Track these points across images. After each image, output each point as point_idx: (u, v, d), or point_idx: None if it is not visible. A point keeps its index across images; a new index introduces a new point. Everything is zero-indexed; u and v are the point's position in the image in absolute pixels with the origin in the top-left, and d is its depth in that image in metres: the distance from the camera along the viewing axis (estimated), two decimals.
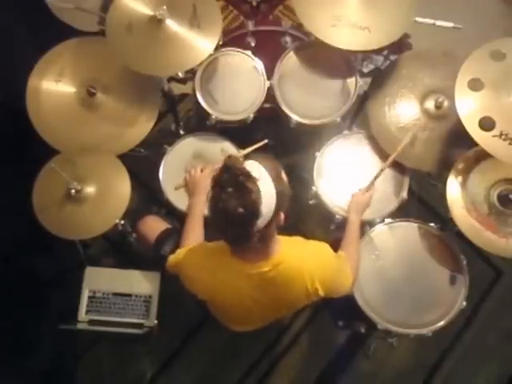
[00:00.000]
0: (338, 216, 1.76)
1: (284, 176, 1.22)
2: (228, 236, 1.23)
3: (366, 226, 1.77)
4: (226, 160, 1.14)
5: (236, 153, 1.85)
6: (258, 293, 1.31)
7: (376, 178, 1.73)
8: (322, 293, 1.32)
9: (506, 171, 1.64)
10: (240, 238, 1.19)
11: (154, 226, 1.82)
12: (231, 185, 1.10)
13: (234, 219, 1.11)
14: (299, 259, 1.31)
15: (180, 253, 1.46)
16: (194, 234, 1.59)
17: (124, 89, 1.83)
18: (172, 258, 1.48)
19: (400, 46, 2.31)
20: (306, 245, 1.38)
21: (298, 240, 1.39)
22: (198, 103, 1.85)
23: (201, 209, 1.67)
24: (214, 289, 1.35)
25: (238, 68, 1.89)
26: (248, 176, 1.11)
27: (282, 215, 1.22)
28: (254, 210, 1.11)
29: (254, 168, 1.15)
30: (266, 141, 1.84)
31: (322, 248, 1.39)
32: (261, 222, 1.14)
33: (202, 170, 1.78)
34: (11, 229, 1.88)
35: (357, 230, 1.64)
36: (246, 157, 1.24)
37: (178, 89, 2.11)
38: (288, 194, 1.21)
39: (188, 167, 1.84)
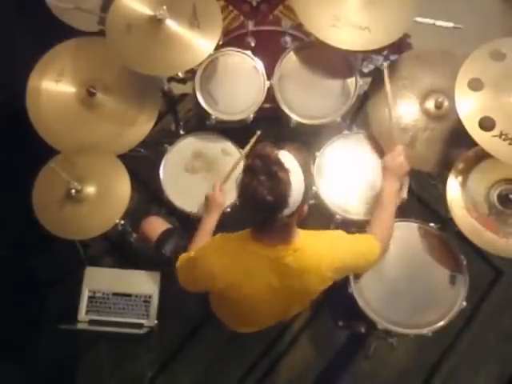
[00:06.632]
0: (338, 216, 1.75)
1: (312, 169, 1.23)
2: (253, 219, 1.27)
3: (366, 226, 1.77)
4: (259, 147, 1.16)
5: (237, 153, 1.86)
6: (274, 278, 1.32)
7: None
8: (338, 276, 1.38)
9: (506, 171, 1.65)
10: (265, 221, 1.23)
11: (155, 226, 1.83)
12: (264, 173, 1.13)
13: (262, 206, 1.15)
14: (316, 247, 1.34)
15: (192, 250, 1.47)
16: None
17: (124, 89, 1.83)
18: (185, 254, 1.49)
19: (400, 46, 2.31)
20: (322, 234, 1.42)
21: (315, 231, 1.42)
22: (198, 103, 1.85)
23: (212, 227, 1.69)
24: (232, 274, 1.34)
25: (238, 68, 1.89)
26: (281, 166, 1.14)
27: (306, 207, 1.26)
28: (282, 200, 1.15)
29: (288, 159, 1.16)
30: (258, 132, 1.86)
31: (337, 235, 1.42)
32: (287, 212, 1.17)
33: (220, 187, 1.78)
34: (11, 229, 1.88)
35: (391, 194, 1.59)
36: (278, 147, 1.22)
37: (177, 89, 2.10)
38: (312, 187, 1.22)
39: (188, 167, 1.85)
